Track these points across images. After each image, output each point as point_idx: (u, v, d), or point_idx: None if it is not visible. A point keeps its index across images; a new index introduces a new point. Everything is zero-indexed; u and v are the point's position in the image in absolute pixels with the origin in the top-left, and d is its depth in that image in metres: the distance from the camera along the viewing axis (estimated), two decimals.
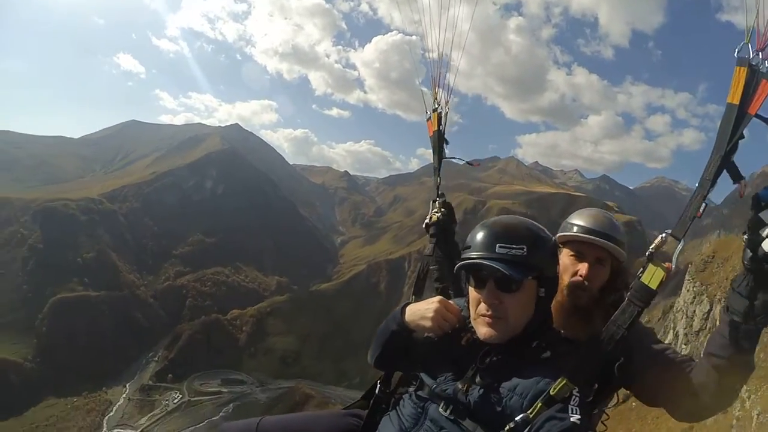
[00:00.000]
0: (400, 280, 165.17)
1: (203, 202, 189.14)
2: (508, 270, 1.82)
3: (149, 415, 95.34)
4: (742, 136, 1.75)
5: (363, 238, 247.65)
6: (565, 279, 2.43)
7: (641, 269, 1.91)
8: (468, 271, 1.97)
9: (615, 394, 2.30)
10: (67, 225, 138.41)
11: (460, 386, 1.92)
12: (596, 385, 2.00)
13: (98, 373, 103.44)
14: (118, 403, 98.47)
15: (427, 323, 2.08)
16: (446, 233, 3.24)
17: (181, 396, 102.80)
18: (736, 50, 1.75)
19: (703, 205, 1.79)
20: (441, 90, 3.41)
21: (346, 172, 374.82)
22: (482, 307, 1.91)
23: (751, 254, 1.71)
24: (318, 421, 2.37)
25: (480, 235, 1.94)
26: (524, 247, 1.87)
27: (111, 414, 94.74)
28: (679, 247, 1.83)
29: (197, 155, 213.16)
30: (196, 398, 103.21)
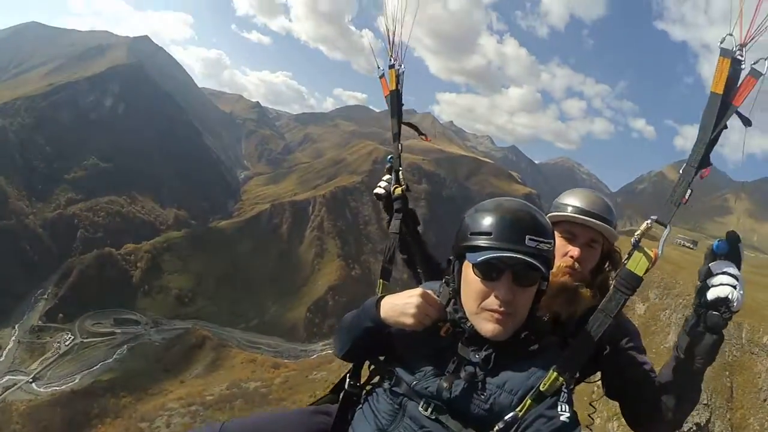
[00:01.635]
0: (303, 224, 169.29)
1: (101, 121, 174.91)
2: (545, 269, 1.72)
3: (41, 359, 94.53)
4: (725, 126, 1.77)
5: (268, 175, 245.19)
6: (556, 261, 2.28)
7: (627, 256, 1.89)
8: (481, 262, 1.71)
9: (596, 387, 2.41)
10: None
11: (444, 384, 1.79)
12: (578, 374, 2.05)
13: None
14: (8, 347, 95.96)
15: (408, 320, 1.87)
16: (408, 208, 3.00)
17: (72, 337, 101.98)
18: (720, 41, 1.74)
19: (689, 191, 1.79)
20: (397, 42, 2.99)
21: (257, 103, 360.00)
22: (492, 302, 1.72)
23: (698, 300, 1.77)
24: (284, 422, 2.14)
25: (503, 222, 1.72)
26: (551, 241, 1.77)
27: (1, 359, 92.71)
28: (666, 233, 1.80)
29: (100, 68, 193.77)
30: (88, 339, 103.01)
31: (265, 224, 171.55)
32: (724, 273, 1.72)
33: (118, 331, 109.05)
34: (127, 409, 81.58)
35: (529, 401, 1.66)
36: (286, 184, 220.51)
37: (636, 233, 1.87)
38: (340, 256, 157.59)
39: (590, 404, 2.52)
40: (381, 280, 2.62)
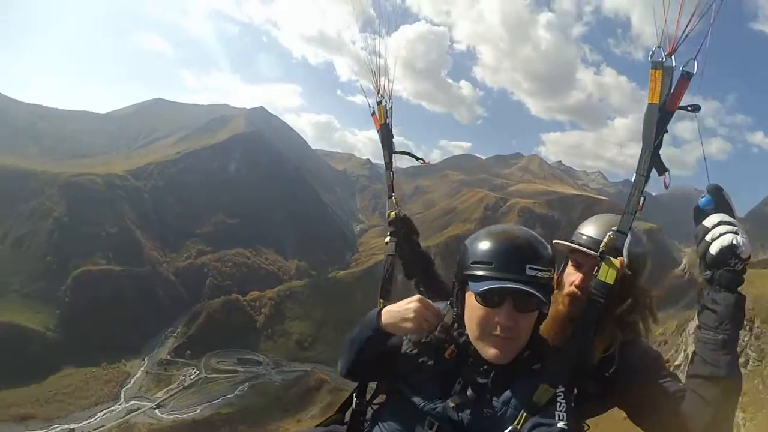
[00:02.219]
0: None
1: (226, 183, 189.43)
2: (545, 296, 1.76)
3: (166, 389, 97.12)
4: (666, 131, 1.88)
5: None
6: (564, 289, 2.33)
7: (596, 268, 1.98)
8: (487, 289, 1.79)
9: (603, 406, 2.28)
10: (92, 200, 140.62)
11: (450, 404, 1.83)
12: (575, 390, 1.98)
13: (118, 346, 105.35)
14: (136, 376, 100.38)
15: (408, 324, 1.94)
16: (408, 230, 3.22)
17: (198, 372, 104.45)
18: (650, 54, 1.88)
19: (642, 198, 1.91)
20: (384, 80, 3.31)
21: (368, 159, 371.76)
22: (494, 327, 1.77)
23: (703, 263, 1.78)
24: None
25: (503, 251, 1.79)
26: (551, 269, 1.82)
27: (129, 386, 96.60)
28: (627, 240, 1.95)
29: (222, 137, 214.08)
30: (212, 375, 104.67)
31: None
32: (719, 224, 1.77)
33: (241, 369, 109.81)
34: None
35: (524, 414, 1.71)
36: None
37: (601, 245, 2.00)
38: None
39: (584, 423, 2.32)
40: (380, 299, 2.75)
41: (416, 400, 1.90)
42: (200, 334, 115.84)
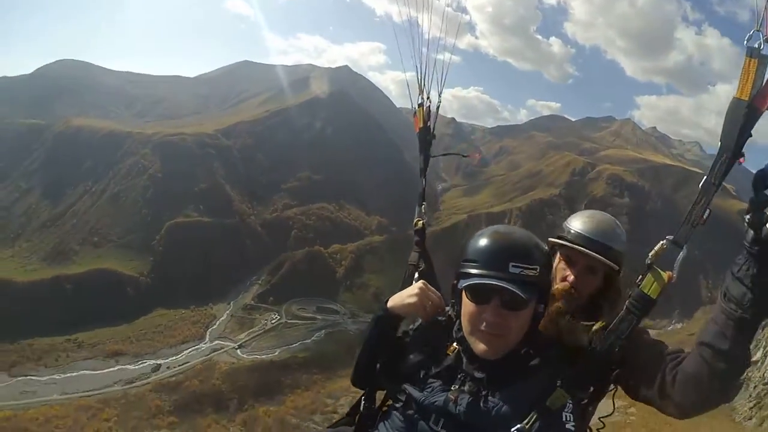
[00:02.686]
0: None
1: (312, 141, 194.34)
2: (525, 293, 1.74)
3: (248, 331, 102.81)
4: (749, 135, 1.62)
5: (464, 187, 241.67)
6: (555, 284, 2.32)
7: (640, 277, 1.82)
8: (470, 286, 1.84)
9: (612, 401, 2.23)
10: (185, 157, 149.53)
11: (450, 396, 1.86)
12: (591, 388, 2.01)
13: (205, 291, 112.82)
14: (221, 318, 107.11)
15: (412, 300, 2.12)
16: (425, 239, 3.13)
17: (279, 317, 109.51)
18: (746, 39, 1.56)
19: (707, 211, 1.67)
20: (428, 85, 3.10)
21: (453, 119, 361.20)
22: (482, 324, 1.81)
23: (754, 235, 1.57)
24: None
25: (488, 250, 1.83)
26: (537, 267, 1.80)
27: (214, 327, 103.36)
28: (681, 255, 1.72)
29: (308, 96, 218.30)
30: (292, 321, 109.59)
31: (461, 234, 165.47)
32: None
33: (319, 317, 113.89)
34: (317, 384, 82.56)
35: (534, 416, 1.71)
36: (482, 196, 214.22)
37: (650, 254, 1.80)
38: None
39: (599, 419, 2.40)
40: None
41: (418, 395, 1.94)
42: (283, 283, 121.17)
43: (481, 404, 1.80)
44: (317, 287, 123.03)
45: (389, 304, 2.20)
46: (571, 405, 1.74)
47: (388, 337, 2.18)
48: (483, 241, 1.86)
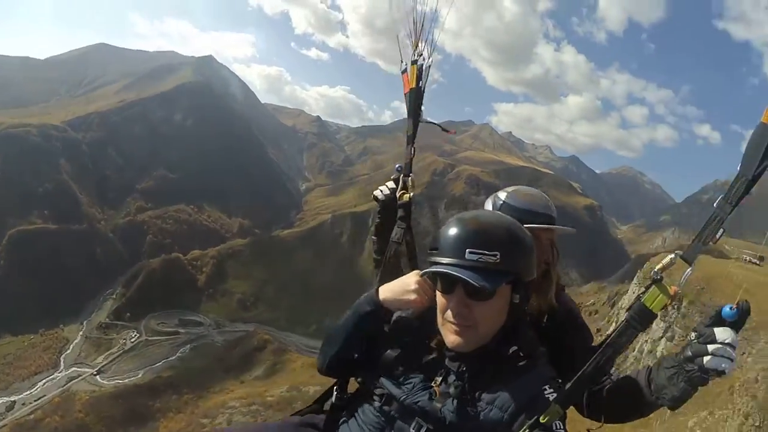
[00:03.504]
0: (363, 235, 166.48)
1: (170, 135, 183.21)
2: (479, 281, 1.64)
3: (106, 353, 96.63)
4: None
5: (328, 187, 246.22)
6: None
7: (643, 290, 1.78)
8: (434, 274, 1.77)
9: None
10: (28, 153, 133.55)
11: (433, 398, 1.79)
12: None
13: (55, 310, 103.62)
14: (75, 341, 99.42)
15: (411, 296, 1.95)
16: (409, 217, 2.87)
17: (138, 335, 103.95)
18: None
19: (721, 230, 1.66)
20: (423, 39, 2.80)
21: (318, 117, 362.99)
22: (449, 314, 1.74)
23: (690, 355, 1.71)
24: None
25: (450, 236, 1.74)
26: (497, 253, 1.68)
27: (68, 352, 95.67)
28: (688, 272, 1.72)
29: (168, 86, 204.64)
30: (153, 338, 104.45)
31: (326, 234, 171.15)
32: (728, 345, 1.66)
33: (182, 331, 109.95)
34: (189, 405, 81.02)
35: (526, 430, 1.64)
36: (346, 195, 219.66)
37: (657, 267, 1.75)
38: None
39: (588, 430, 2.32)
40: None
41: (397, 392, 1.85)
42: (140, 295, 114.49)
43: (468, 408, 1.73)
44: (178, 298, 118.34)
45: (381, 296, 2.00)
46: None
47: (374, 333, 2.01)
48: (445, 228, 1.78)
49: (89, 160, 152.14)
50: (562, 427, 1.67)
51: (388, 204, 2.86)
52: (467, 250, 1.67)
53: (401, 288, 1.99)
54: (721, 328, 1.67)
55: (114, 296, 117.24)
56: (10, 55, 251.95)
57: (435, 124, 3.14)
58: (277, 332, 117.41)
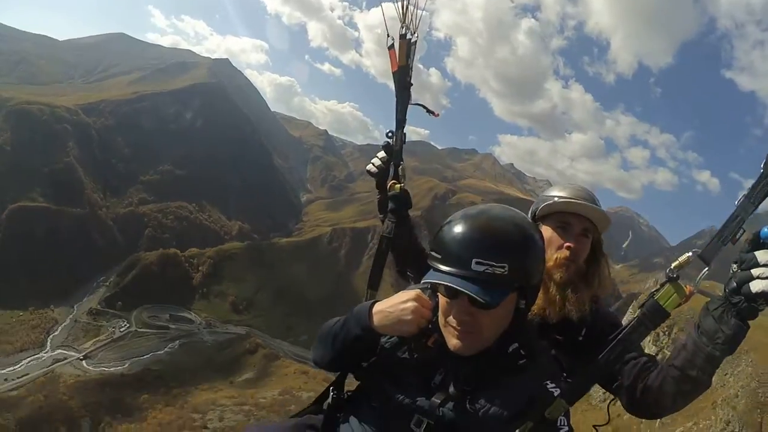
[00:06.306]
0: (361, 251, 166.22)
1: (180, 131, 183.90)
2: (485, 296, 1.51)
3: (94, 340, 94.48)
4: None
5: (329, 201, 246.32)
6: (551, 254, 2.24)
7: (658, 287, 1.73)
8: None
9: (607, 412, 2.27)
10: (39, 131, 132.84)
11: (434, 399, 1.70)
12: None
13: (48, 289, 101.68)
14: (64, 323, 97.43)
15: (406, 327, 1.76)
16: (407, 207, 2.72)
17: (128, 325, 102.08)
18: None
19: (741, 230, 1.60)
20: (413, 10, 2.58)
21: (325, 131, 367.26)
22: (452, 320, 1.65)
23: (735, 286, 1.61)
24: None
25: (455, 240, 1.59)
26: (506, 265, 1.54)
27: (56, 333, 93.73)
28: (705, 271, 1.65)
29: (182, 83, 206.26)
30: (143, 330, 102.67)
31: (324, 247, 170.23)
32: None
33: (173, 326, 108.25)
34: (178, 399, 79.18)
35: (530, 424, 1.61)
36: (345, 211, 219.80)
37: (673, 264, 1.69)
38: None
39: (593, 427, 2.36)
40: (368, 290, 2.44)
41: (396, 392, 1.78)
42: (133, 286, 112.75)
43: (468, 407, 1.66)
44: (171, 293, 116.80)
45: (375, 320, 1.80)
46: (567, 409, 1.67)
47: (368, 345, 1.89)
48: (448, 228, 1.62)
49: (97, 147, 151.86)
50: (566, 423, 1.65)
51: (382, 183, 2.74)
52: (474, 260, 1.53)
53: (395, 317, 1.76)
54: (763, 251, 1.57)
55: (108, 284, 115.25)
56: (29, 32, 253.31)
57: (422, 106, 2.80)
58: (268, 338, 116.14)
